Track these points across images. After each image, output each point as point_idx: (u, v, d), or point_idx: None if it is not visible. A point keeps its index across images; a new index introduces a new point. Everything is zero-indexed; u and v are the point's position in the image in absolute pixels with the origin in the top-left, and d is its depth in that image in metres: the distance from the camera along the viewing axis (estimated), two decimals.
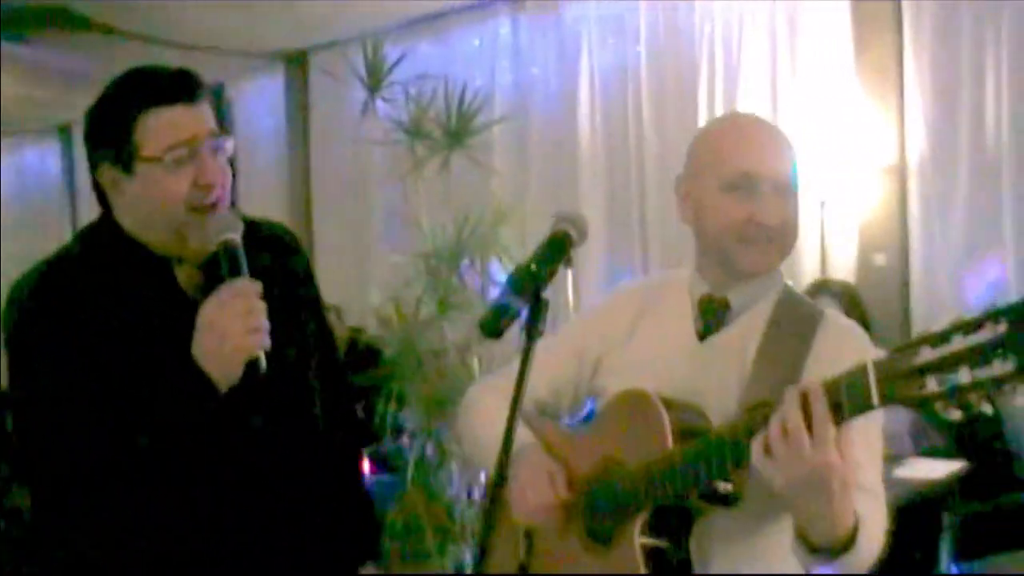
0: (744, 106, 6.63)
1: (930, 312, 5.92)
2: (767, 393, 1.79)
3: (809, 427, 1.59)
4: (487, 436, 2.14)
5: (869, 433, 1.88)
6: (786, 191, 1.99)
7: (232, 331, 1.90)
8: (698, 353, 2.04)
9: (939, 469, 4.72)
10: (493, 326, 1.79)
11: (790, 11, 6.50)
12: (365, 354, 6.98)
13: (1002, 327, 1.41)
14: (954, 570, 4.68)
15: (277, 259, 2.20)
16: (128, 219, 2.05)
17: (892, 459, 4.62)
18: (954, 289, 5.86)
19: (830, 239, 6.14)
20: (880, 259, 6.09)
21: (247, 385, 1.95)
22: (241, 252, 1.98)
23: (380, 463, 5.09)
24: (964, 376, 1.44)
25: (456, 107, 4.50)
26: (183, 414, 1.92)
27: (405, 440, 4.52)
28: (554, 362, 2.19)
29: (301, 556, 2.16)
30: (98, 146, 2.03)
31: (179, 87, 2.01)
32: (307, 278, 2.32)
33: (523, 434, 2.12)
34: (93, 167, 2.06)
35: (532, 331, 1.78)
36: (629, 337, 2.15)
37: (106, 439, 1.91)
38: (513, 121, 7.53)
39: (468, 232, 4.37)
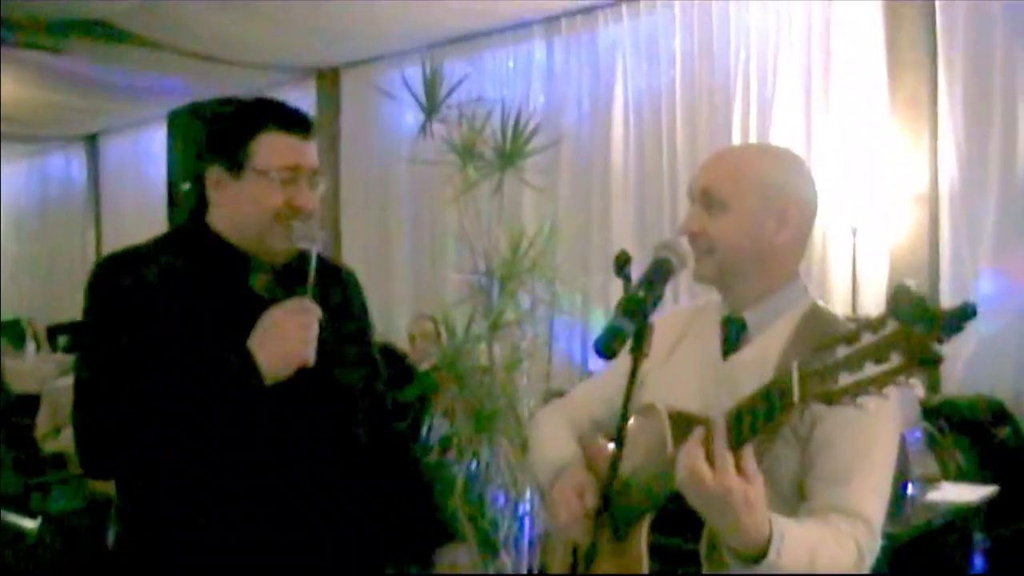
0: (777, 133, 6.74)
1: (958, 338, 5.93)
2: None
3: (710, 457, 1.76)
4: (538, 455, 2.43)
5: (869, 457, 1.98)
6: (712, 203, 2.09)
7: (294, 337, 2.16)
8: (721, 371, 2.15)
9: (969, 493, 4.81)
10: (608, 347, 1.85)
11: (824, 40, 6.59)
12: (400, 368, 7.07)
13: (893, 326, 1.53)
14: None
15: (339, 292, 2.45)
16: (221, 216, 2.29)
17: (923, 483, 4.74)
18: (982, 315, 5.92)
19: (861, 265, 6.22)
20: (910, 284, 6.15)
21: (290, 387, 2.17)
22: (314, 263, 2.24)
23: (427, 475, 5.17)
24: (869, 370, 1.56)
25: (511, 129, 4.58)
26: (228, 395, 2.13)
27: (451, 454, 4.59)
28: (608, 383, 2.36)
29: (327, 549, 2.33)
30: (215, 148, 2.28)
31: (300, 122, 2.30)
32: (362, 312, 2.55)
33: (569, 453, 2.35)
34: (201, 166, 2.29)
35: (638, 351, 1.89)
36: (668, 357, 2.26)
37: (150, 396, 2.10)
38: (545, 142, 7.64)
39: (524, 252, 4.45)
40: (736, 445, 1.77)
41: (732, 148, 2.39)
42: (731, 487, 1.73)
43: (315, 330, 2.19)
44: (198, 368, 2.12)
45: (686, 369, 2.23)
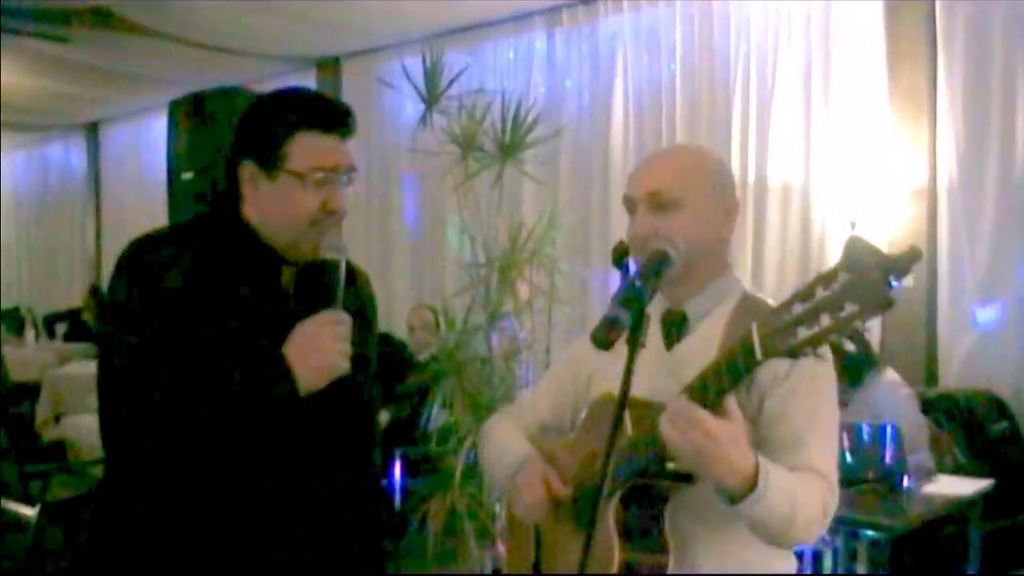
0: (776, 126, 6.77)
1: (956, 332, 6.03)
2: None
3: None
4: (495, 457, 2.46)
5: (818, 420, 2.08)
6: (667, 205, 2.15)
7: (332, 349, 2.13)
8: (667, 362, 2.20)
9: (965, 486, 4.82)
10: (604, 337, 1.89)
11: (824, 34, 6.60)
12: (397, 357, 7.07)
13: (844, 278, 1.64)
14: None
15: (358, 300, 2.41)
16: (254, 211, 2.23)
17: (920, 475, 4.75)
18: (980, 310, 5.97)
19: None
20: (908, 280, 6.15)
21: (319, 396, 2.15)
22: (342, 273, 2.20)
23: (426, 464, 5.20)
24: (825, 321, 1.67)
25: (511, 120, 4.60)
26: (261, 401, 2.10)
27: (452, 443, 4.61)
28: (554, 386, 2.48)
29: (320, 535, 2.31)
30: (249, 144, 2.21)
31: (338, 120, 2.22)
32: (373, 312, 2.52)
33: (525, 449, 2.40)
34: (236, 159, 2.23)
35: (635, 341, 1.91)
36: (614, 355, 2.21)
37: (182, 387, 2.07)
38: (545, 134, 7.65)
39: (523, 242, 4.47)
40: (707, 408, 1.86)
41: (667, 152, 2.45)
42: (711, 431, 1.82)
43: (349, 342, 2.17)
44: (232, 368, 2.09)
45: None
